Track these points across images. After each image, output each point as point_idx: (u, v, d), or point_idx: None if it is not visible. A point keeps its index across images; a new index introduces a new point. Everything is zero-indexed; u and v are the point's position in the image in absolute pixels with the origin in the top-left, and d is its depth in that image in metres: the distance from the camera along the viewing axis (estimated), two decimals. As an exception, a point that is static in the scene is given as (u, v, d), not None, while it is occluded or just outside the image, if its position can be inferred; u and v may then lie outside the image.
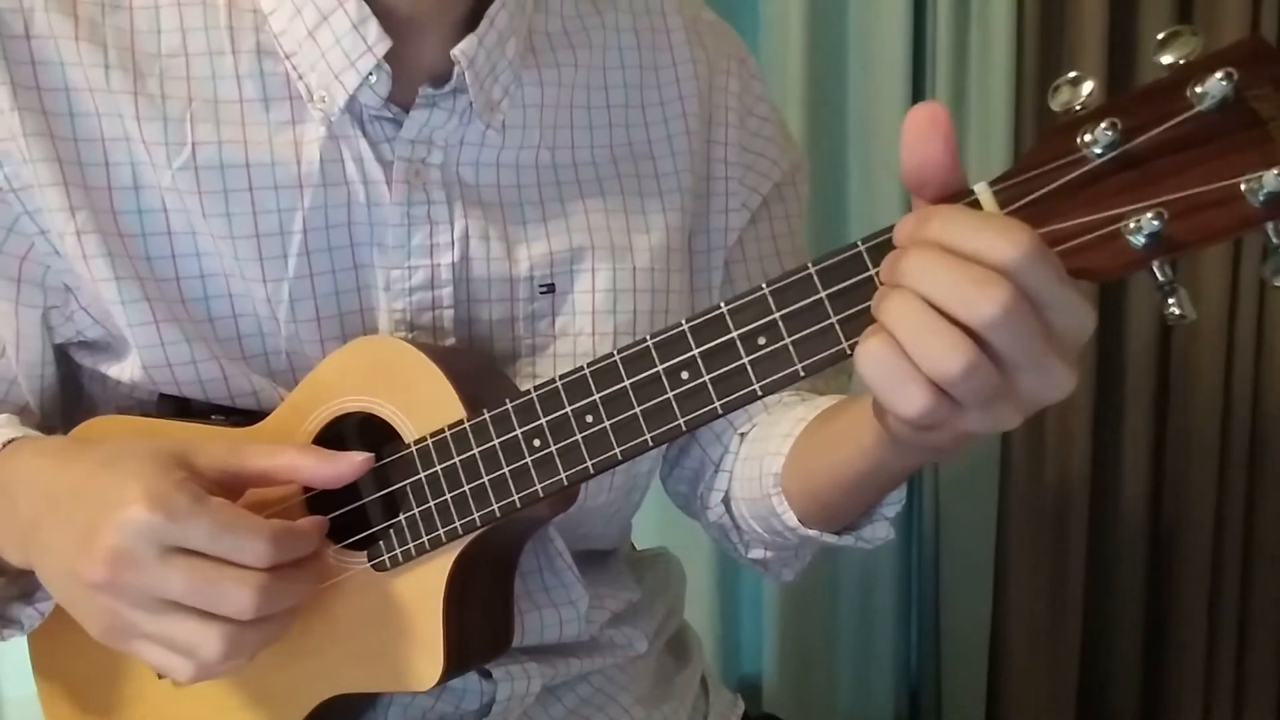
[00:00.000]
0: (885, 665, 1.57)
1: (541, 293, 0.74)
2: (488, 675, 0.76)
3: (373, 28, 0.67)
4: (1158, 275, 0.49)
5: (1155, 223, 0.47)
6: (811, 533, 0.74)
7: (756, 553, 0.84)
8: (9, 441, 0.64)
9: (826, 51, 1.41)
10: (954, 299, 0.47)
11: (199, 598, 0.56)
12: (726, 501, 0.84)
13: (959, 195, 0.51)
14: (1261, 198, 0.46)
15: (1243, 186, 0.46)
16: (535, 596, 0.78)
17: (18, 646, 0.75)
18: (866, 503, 0.73)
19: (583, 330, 0.75)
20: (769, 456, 0.77)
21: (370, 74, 0.67)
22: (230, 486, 0.61)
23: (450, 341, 0.73)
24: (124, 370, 0.70)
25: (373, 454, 0.63)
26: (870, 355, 0.49)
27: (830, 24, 1.41)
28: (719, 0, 1.36)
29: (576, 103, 0.77)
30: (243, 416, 0.70)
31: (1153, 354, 1.54)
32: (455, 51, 0.69)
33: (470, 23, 0.70)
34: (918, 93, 1.43)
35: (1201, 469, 1.57)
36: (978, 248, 0.47)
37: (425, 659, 0.64)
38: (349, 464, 0.63)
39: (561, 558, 0.78)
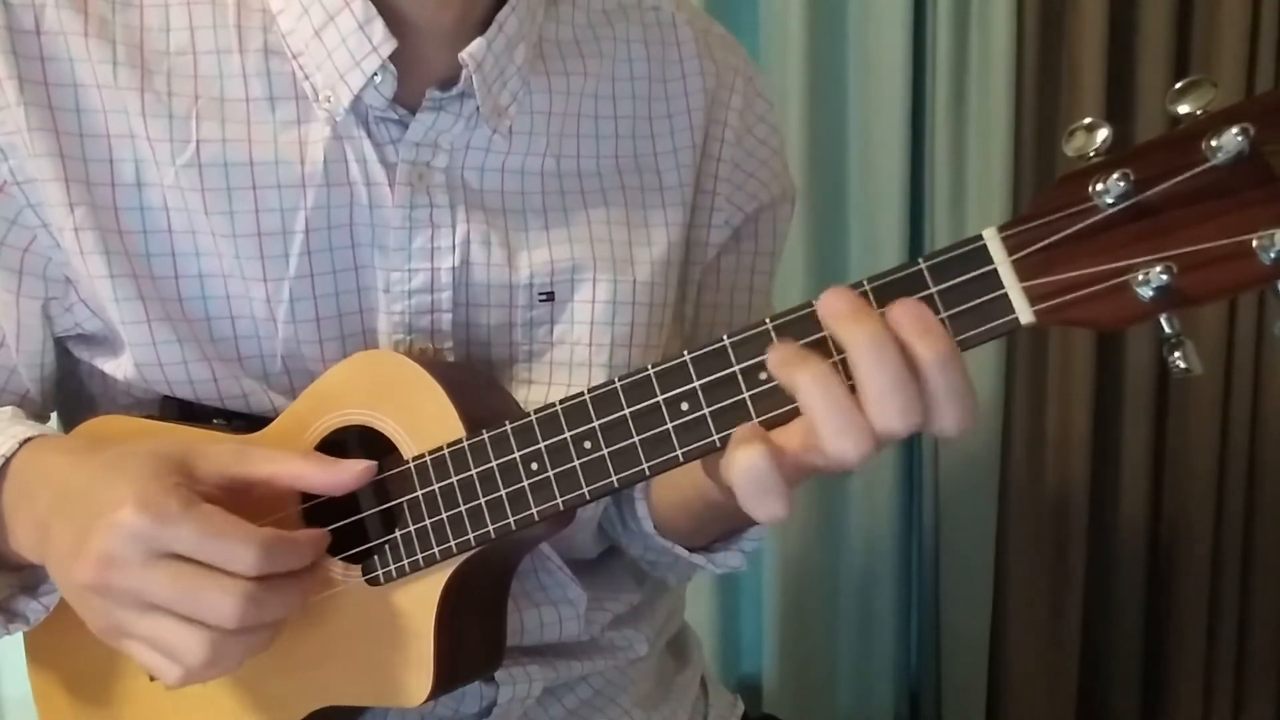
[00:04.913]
0: (885, 665, 1.57)
1: (540, 300, 0.74)
2: (489, 678, 0.76)
3: (378, 28, 0.67)
4: (1165, 328, 0.48)
5: (1164, 276, 0.46)
6: (665, 543, 0.76)
7: (636, 551, 0.83)
8: (28, 440, 0.64)
9: (826, 51, 1.41)
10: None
11: (181, 603, 0.56)
12: None
13: None
14: (1273, 255, 0.45)
15: (1254, 243, 0.45)
16: (532, 595, 0.78)
17: (18, 645, 0.75)
18: (723, 530, 0.75)
19: (580, 340, 0.75)
20: None
21: (375, 74, 0.67)
22: (232, 491, 0.61)
23: (448, 345, 0.73)
24: (119, 367, 0.71)
25: (375, 463, 0.63)
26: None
27: (830, 24, 1.41)
28: (719, 1, 1.37)
29: (585, 112, 0.77)
30: (243, 422, 0.70)
31: (1153, 353, 1.54)
32: (463, 54, 0.68)
33: (480, 27, 0.70)
34: (918, 93, 1.43)
35: (1202, 469, 1.57)
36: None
37: (415, 676, 0.64)
38: (350, 472, 0.62)
39: (551, 559, 0.78)
